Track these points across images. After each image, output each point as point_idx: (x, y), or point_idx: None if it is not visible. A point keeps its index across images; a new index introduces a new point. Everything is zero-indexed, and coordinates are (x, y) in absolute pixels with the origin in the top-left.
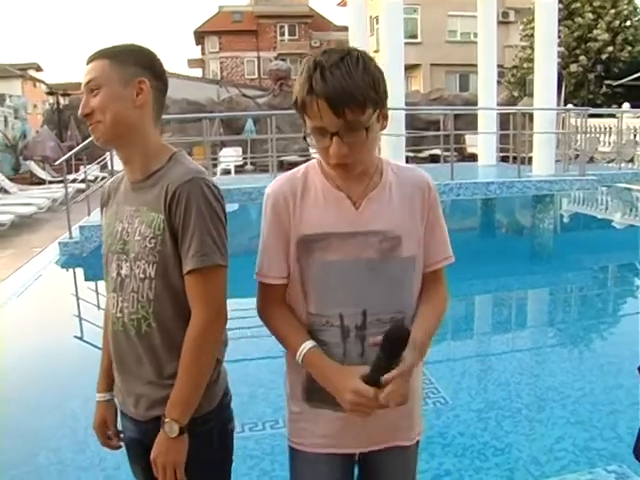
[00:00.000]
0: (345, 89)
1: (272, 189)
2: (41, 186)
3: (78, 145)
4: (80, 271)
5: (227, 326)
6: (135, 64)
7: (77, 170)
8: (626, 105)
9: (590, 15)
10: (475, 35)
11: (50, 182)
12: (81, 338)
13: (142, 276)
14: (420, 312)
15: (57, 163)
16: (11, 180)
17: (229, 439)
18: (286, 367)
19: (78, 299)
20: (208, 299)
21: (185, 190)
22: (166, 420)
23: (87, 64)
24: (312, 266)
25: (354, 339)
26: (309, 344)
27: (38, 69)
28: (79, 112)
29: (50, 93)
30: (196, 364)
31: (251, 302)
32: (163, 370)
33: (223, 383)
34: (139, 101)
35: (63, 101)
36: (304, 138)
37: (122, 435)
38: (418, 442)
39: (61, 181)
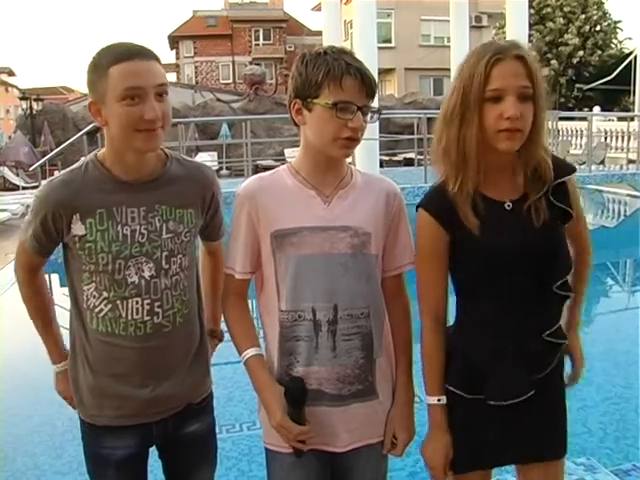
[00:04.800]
0: (372, 77)
1: (242, 188)
2: (15, 192)
3: (52, 150)
4: (55, 277)
5: None
6: None
7: (51, 175)
8: (596, 108)
9: (561, 20)
10: (449, 39)
11: (24, 188)
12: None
13: (178, 270)
14: (398, 348)
15: (31, 169)
16: None
17: None
18: None
19: (54, 305)
20: None
21: (217, 182)
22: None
23: (142, 59)
24: (285, 261)
25: (326, 333)
26: (251, 352)
27: (10, 74)
28: (149, 114)
29: (23, 98)
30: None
31: None
32: (194, 346)
33: None
34: None
35: (36, 106)
36: (295, 124)
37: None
38: None
39: (35, 187)
